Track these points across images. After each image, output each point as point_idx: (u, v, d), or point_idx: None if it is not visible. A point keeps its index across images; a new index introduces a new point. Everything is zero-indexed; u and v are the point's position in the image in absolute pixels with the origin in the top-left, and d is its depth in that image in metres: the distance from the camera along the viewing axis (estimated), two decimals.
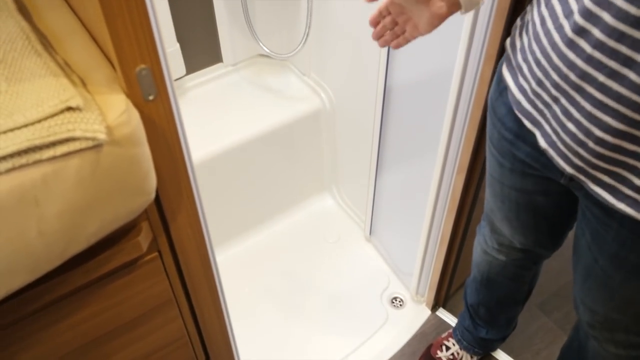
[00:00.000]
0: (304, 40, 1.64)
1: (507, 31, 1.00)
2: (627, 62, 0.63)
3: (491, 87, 0.93)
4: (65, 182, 0.58)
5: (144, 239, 0.75)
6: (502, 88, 0.87)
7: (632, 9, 0.60)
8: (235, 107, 1.78)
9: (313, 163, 1.95)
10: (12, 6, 0.70)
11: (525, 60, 0.79)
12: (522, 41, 0.81)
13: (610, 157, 0.71)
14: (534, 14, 0.77)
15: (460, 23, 1.04)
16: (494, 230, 1.16)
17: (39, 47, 0.64)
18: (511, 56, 0.84)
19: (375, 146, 1.61)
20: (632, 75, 0.63)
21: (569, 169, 0.78)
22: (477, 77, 1.09)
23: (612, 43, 0.63)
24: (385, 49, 1.37)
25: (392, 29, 0.90)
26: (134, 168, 0.64)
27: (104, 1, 0.57)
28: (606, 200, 0.76)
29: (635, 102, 0.64)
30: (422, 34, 0.86)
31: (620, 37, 0.62)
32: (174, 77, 1.76)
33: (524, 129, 0.84)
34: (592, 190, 0.77)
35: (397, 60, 1.37)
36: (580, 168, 0.76)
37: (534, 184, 0.93)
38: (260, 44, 1.71)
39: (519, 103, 0.82)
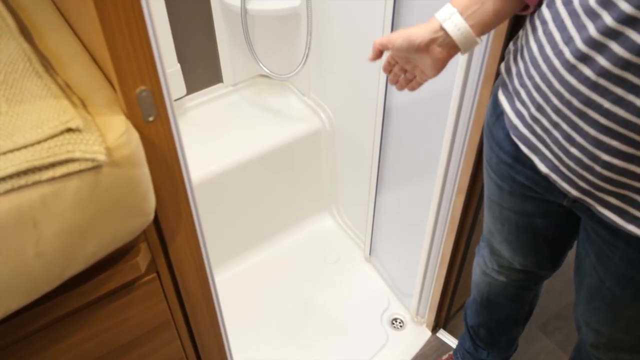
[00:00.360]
0: (303, 60, 1.65)
1: (503, 59, 1.00)
2: (634, 89, 0.63)
3: (487, 110, 0.94)
4: (64, 203, 0.58)
5: (142, 260, 0.75)
6: (499, 112, 0.87)
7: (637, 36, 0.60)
8: (235, 127, 1.78)
9: (313, 183, 1.95)
10: (14, 28, 0.70)
11: (523, 85, 0.79)
12: (517, 66, 0.81)
13: (618, 180, 0.71)
14: (530, 40, 0.77)
15: None
16: (493, 252, 1.15)
17: (40, 68, 0.64)
18: (507, 81, 0.84)
19: (375, 166, 1.61)
20: (638, 102, 0.63)
21: (574, 192, 0.77)
22: (476, 99, 1.09)
23: (617, 71, 0.63)
24: None
25: (404, 75, 0.92)
26: (133, 189, 0.64)
27: (105, 23, 0.57)
28: (614, 222, 0.75)
29: None
30: (430, 78, 0.88)
31: (626, 65, 0.62)
32: (175, 97, 1.77)
33: (522, 152, 0.84)
34: (599, 212, 0.77)
35: None
36: (586, 191, 0.76)
37: (534, 206, 0.93)
38: (261, 65, 1.72)
39: (515, 128, 0.82)
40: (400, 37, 0.82)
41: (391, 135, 1.49)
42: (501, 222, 1.02)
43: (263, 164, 1.75)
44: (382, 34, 1.32)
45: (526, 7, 0.79)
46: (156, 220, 0.76)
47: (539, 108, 0.76)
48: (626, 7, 0.60)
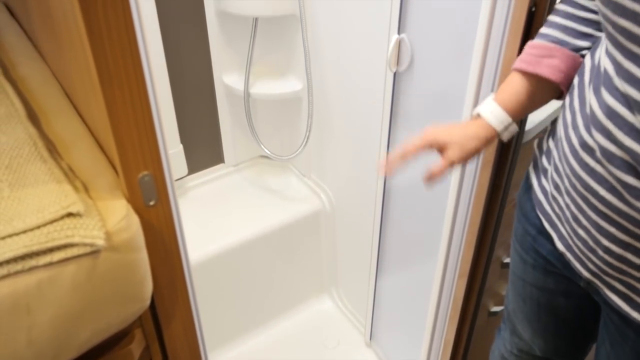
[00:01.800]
0: (304, 143, 1.68)
1: (502, 144, 1.02)
2: (620, 182, 0.65)
3: (521, 183, 0.95)
4: (60, 289, 0.57)
5: (136, 348, 0.73)
6: (528, 186, 0.90)
7: (619, 134, 0.63)
8: (235, 207, 1.79)
9: (312, 264, 1.93)
10: (22, 113, 0.72)
11: (550, 163, 0.82)
12: (548, 144, 0.84)
13: (618, 267, 0.71)
14: (560, 119, 0.80)
15: None
16: (514, 333, 1.12)
17: (45, 153, 0.65)
18: (538, 157, 0.88)
19: (375, 248, 1.60)
20: (626, 195, 0.65)
21: (585, 273, 0.78)
22: (475, 183, 1.10)
23: (605, 162, 0.66)
24: (384, 152, 1.40)
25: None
26: (130, 274, 0.63)
27: (112, 110, 0.59)
28: (620, 308, 0.75)
29: (635, 219, 0.65)
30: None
31: (611, 157, 0.65)
32: (176, 177, 1.79)
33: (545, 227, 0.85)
34: (607, 296, 0.76)
35: None
36: (595, 273, 0.76)
37: (555, 283, 0.92)
38: (262, 146, 1.75)
39: (540, 203, 0.85)
40: (467, 155, 0.83)
41: (391, 216, 1.49)
42: (523, 298, 1.01)
43: (262, 245, 1.73)
44: (381, 118, 1.35)
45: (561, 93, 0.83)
46: (152, 305, 0.74)
47: (557, 187, 0.78)
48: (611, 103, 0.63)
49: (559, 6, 0.81)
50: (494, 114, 0.82)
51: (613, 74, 0.64)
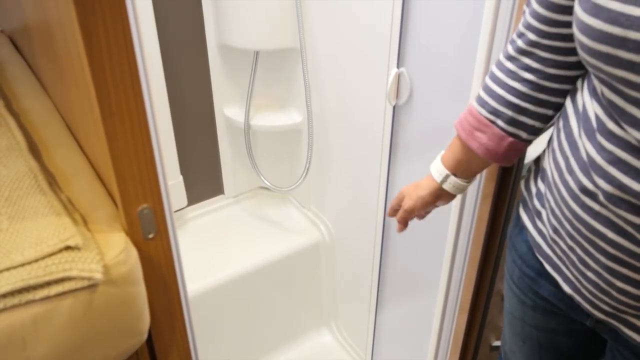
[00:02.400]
0: (304, 174, 1.68)
1: (503, 171, 1.02)
2: (630, 223, 0.63)
3: (510, 224, 0.94)
4: (56, 324, 0.57)
5: None
6: (522, 226, 0.88)
7: (624, 179, 0.62)
8: (234, 239, 1.78)
9: (312, 297, 1.91)
10: (23, 145, 0.72)
11: (543, 206, 0.80)
12: (537, 186, 0.82)
13: (635, 305, 0.69)
14: (546, 162, 0.79)
15: None
16: None
17: (45, 185, 0.65)
18: (527, 199, 0.86)
19: (375, 281, 1.59)
20: (638, 236, 0.63)
21: (598, 314, 0.75)
22: (475, 216, 1.10)
23: (612, 207, 0.64)
24: (384, 185, 1.40)
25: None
26: (127, 308, 0.63)
27: (112, 143, 0.59)
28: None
29: None
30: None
31: (618, 201, 0.63)
32: (175, 208, 1.79)
33: (546, 269, 0.83)
34: (624, 334, 0.75)
35: (395, 194, 1.39)
36: (610, 313, 0.74)
37: (557, 323, 0.90)
38: (262, 178, 1.75)
39: (539, 246, 0.82)
40: (417, 202, 0.97)
41: (391, 249, 1.49)
42: (523, 339, 0.99)
43: (261, 277, 1.72)
44: (380, 151, 1.35)
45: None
46: (149, 339, 0.73)
47: (555, 231, 0.76)
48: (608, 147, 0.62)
49: (498, 72, 0.80)
50: (435, 166, 0.93)
51: (606, 119, 0.63)
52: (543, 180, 0.80)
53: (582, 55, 0.62)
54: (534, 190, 0.83)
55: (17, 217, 0.60)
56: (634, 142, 0.60)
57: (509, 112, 0.79)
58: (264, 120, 1.69)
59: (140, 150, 0.61)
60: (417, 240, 1.37)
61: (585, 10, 0.59)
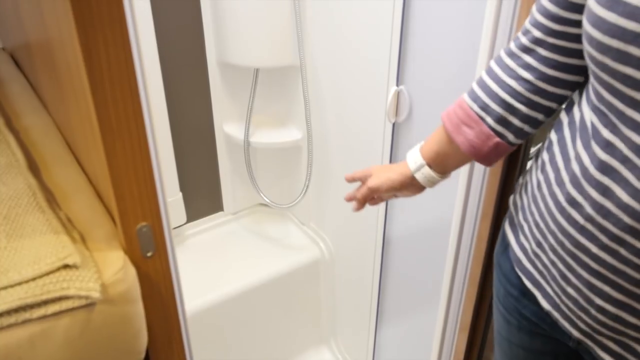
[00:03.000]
0: (304, 191, 1.68)
1: (502, 190, 1.02)
2: (616, 238, 0.63)
3: (497, 241, 0.94)
4: (52, 343, 0.56)
5: None
6: (507, 244, 0.87)
7: (615, 189, 0.61)
8: (233, 255, 1.77)
9: (311, 314, 1.90)
10: (23, 163, 0.72)
11: (526, 220, 0.79)
12: (522, 200, 0.82)
13: (612, 326, 0.68)
14: (533, 175, 0.78)
15: (455, 181, 1.07)
16: None
17: (44, 203, 0.65)
18: (513, 214, 0.85)
19: (375, 299, 1.58)
20: (622, 251, 0.63)
21: (575, 333, 0.75)
22: (475, 235, 1.09)
23: (600, 219, 0.64)
24: (383, 202, 1.40)
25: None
26: (125, 327, 0.62)
27: (112, 161, 0.59)
28: None
29: (631, 276, 0.63)
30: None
31: (606, 214, 0.63)
32: (174, 225, 1.78)
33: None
34: (598, 356, 0.74)
35: (395, 212, 1.39)
36: (586, 333, 0.73)
37: (542, 344, 0.89)
38: (261, 195, 1.75)
39: (519, 261, 0.82)
40: (384, 184, 0.94)
41: (391, 266, 1.48)
42: (510, 358, 0.98)
43: (260, 294, 1.71)
44: (381, 163, 1.35)
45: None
46: (146, 358, 0.73)
47: (539, 244, 0.75)
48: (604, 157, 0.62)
49: (495, 68, 0.78)
50: (411, 154, 0.91)
51: (600, 126, 0.62)
52: (526, 193, 0.80)
53: (590, 51, 0.61)
54: (519, 203, 0.83)
55: (15, 235, 0.60)
56: (625, 151, 0.60)
57: (500, 110, 0.77)
58: (263, 137, 1.69)
59: (140, 168, 0.61)
60: (417, 258, 1.36)
61: (600, 4, 0.58)
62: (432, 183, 0.91)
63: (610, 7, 0.57)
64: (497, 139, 0.79)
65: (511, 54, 0.76)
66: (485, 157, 0.82)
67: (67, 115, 0.78)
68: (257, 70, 1.59)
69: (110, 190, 0.61)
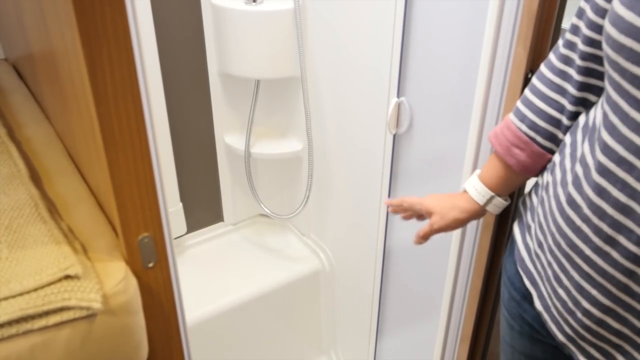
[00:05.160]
0: (304, 202, 1.68)
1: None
2: (609, 240, 0.63)
3: (507, 245, 0.94)
4: (53, 354, 0.56)
5: None
6: (513, 244, 0.88)
7: (613, 190, 0.62)
8: (234, 266, 1.77)
9: (311, 326, 1.89)
10: (24, 174, 0.72)
11: (533, 220, 0.80)
12: (532, 201, 0.83)
13: (596, 331, 0.69)
14: (544, 177, 0.79)
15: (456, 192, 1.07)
16: None
17: (46, 214, 0.65)
18: (522, 213, 0.86)
19: (375, 310, 1.58)
20: (614, 254, 0.63)
21: (560, 336, 0.75)
22: (476, 245, 1.09)
23: (595, 220, 0.64)
24: (384, 214, 1.40)
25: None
26: (126, 338, 0.62)
27: (114, 172, 0.59)
28: None
29: (619, 281, 0.64)
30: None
31: (602, 215, 0.63)
32: (175, 235, 1.78)
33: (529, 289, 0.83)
34: None
35: (396, 222, 1.39)
36: (570, 337, 0.73)
37: (542, 352, 0.89)
38: (262, 205, 1.75)
39: (522, 260, 0.82)
40: (451, 225, 0.91)
41: (391, 277, 1.48)
42: None
43: (260, 305, 1.71)
44: (380, 179, 1.35)
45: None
46: None
47: (540, 244, 0.76)
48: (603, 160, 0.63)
49: (538, 84, 0.78)
50: (476, 188, 0.89)
51: (601, 127, 0.63)
52: (537, 194, 0.81)
53: (606, 50, 0.61)
54: (528, 204, 0.84)
55: (16, 246, 0.60)
56: (621, 152, 0.60)
57: (549, 128, 0.78)
58: (264, 148, 1.70)
59: (142, 179, 0.61)
60: (417, 269, 1.36)
61: (623, 3, 0.58)
62: (501, 209, 0.90)
63: (630, 7, 0.57)
64: (549, 156, 0.80)
65: (552, 68, 0.76)
66: (536, 172, 0.83)
67: (69, 125, 0.78)
68: (258, 82, 1.60)
69: (112, 200, 0.61)
